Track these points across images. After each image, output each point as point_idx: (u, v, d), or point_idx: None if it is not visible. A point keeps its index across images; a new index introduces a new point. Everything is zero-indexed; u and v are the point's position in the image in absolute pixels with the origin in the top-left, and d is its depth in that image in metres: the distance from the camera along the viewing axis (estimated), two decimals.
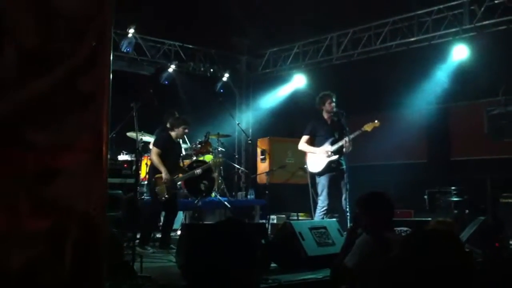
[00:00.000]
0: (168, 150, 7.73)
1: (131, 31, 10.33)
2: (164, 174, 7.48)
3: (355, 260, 3.85)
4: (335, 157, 7.66)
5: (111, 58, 2.64)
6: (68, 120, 2.45)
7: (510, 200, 7.92)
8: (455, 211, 8.91)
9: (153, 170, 7.71)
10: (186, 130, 8.00)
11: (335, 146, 7.67)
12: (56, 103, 2.42)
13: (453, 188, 9.28)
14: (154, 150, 7.66)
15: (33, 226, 2.34)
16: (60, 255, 2.39)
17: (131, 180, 8.24)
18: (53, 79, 2.41)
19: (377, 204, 4.03)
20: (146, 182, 8.62)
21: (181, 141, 9.37)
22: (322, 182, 7.70)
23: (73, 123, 2.45)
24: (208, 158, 9.23)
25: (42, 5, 2.41)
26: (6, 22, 2.31)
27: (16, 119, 2.30)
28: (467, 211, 8.75)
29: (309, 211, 8.19)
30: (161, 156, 7.57)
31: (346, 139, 7.56)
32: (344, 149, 7.62)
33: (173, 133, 7.81)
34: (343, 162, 7.72)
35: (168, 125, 8.71)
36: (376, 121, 7.69)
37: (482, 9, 9.08)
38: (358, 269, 3.80)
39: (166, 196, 7.50)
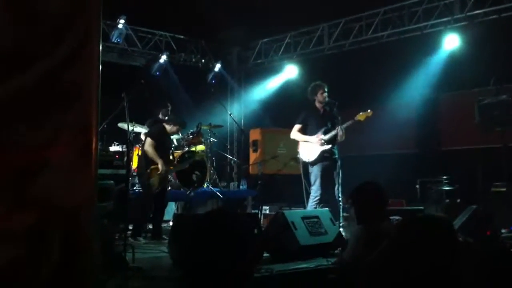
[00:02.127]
0: (162, 142, 7.73)
1: (122, 21, 10.25)
2: (160, 166, 7.49)
3: (352, 252, 3.87)
4: (328, 146, 7.66)
5: (100, 51, 2.61)
6: (53, 115, 2.42)
7: (501, 189, 7.95)
8: (447, 200, 8.95)
9: (147, 161, 7.66)
10: (179, 132, 8.35)
11: (328, 135, 7.67)
12: (40, 99, 2.39)
13: (444, 177, 9.33)
14: (149, 141, 7.62)
15: (19, 222, 2.31)
16: (46, 251, 2.36)
17: (123, 171, 8.23)
18: (37, 75, 2.38)
19: (369, 194, 4.04)
20: (136, 174, 8.61)
21: None
22: (315, 172, 7.70)
23: (58, 119, 2.42)
24: (200, 148, 9.21)
25: (23, 1, 2.38)
26: None
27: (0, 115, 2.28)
28: (458, 200, 8.79)
29: (302, 201, 8.19)
30: (155, 148, 7.56)
31: (339, 128, 7.56)
32: (337, 138, 7.62)
33: (167, 127, 7.82)
34: (336, 152, 7.73)
35: (161, 116, 8.70)
36: (369, 110, 7.69)
37: None
38: (356, 260, 3.81)
39: (158, 188, 7.51)
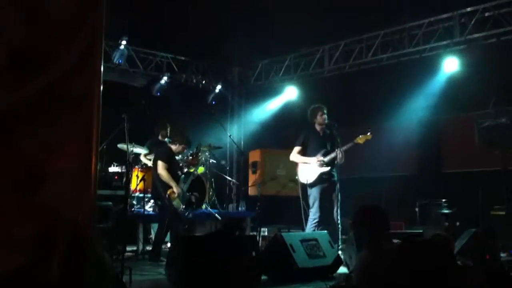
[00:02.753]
0: (172, 163, 7.77)
1: (123, 42, 10.32)
2: (175, 189, 7.54)
3: (358, 276, 3.87)
4: (327, 168, 7.66)
5: (102, 64, 2.61)
6: (56, 123, 2.42)
7: (501, 213, 7.94)
8: (446, 223, 8.92)
9: (162, 185, 7.60)
10: (185, 151, 8.28)
11: (328, 157, 7.67)
12: (44, 106, 2.39)
13: (444, 200, 9.30)
14: (161, 164, 7.58)
15: (20, 230, 2.31)
16: (47, 259, 2.35)
17: (121, 192, 8.21)
18: (42, 82, 2.38)
19: (370, 217, 4.05)
20: (152, 197, 8.52)
21: None
22: (314, 194, 7.69)
23: (61, 126, 2.42)
24: (200, 170, 9.21)
25: (33, 8, 2.39)
26: None
27: (5, 122, 2.27)
28: (458, 223, 8.76)
29: (301, 223, 8.15)
30: (168, 170, 7.57)
31: (338, 150, 7.56)
32: (337, 161, 7.62)
33: (173, 147, 7.85)
34: (335, 174, 7.72)
35: (160, 137, 8.71)
36: (368, 133, 7.69)
37: (472, 22, 9.15)
38: (363, 284, 3.81)
39: (183, 207, 7.63)
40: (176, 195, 7.52)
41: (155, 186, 7.82)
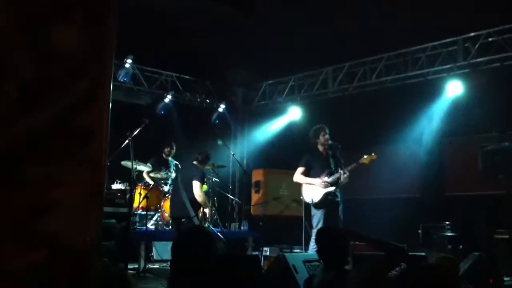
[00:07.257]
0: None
1: (129, 61, 10.39)
2: (208, 211, 7.58)
3: None
4: (332, 188, 7.65)
5: (111, 90, 2.64)
6: (65, 155, 2.43)
7: (504, 236, 7.91)
8: (449, 247, 8.87)
9: (193, 206, 7.49)
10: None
11: (332, 178, 7.66)
12: (53, 139, 2.41)
13: (447, 223, 9.26)
14: (199, 185, 7.55)
15: (26, 261, 2.31)
16: None
17: (124, 209, 8.21)
18: (51, 115, 2.40)
19: (328, 238, 4.16)
20: (173, 216, 8.34)
21: (173, 171, 9.39)
22: (318, 215, 7.65)
23: (69, 159, 2.43)
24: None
25: (41, 41, 2.42)
26: (5, 58, 2.32)
27: (11, 154, 2.29)
28: (461, 246, 8.72)
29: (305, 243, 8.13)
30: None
31: (342, 171, 7.56)
32: (340, 180, 7.61)
33: (202, 166, 7.88)
34: (339, 194, 7.71)
35: (164, 156, 8.73)
36: (373, 154, 7.71)
37: (476, 46, 9.21)
38: None
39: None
40: (208, 216, 7.49)
41: (182, 205, 7.65)
